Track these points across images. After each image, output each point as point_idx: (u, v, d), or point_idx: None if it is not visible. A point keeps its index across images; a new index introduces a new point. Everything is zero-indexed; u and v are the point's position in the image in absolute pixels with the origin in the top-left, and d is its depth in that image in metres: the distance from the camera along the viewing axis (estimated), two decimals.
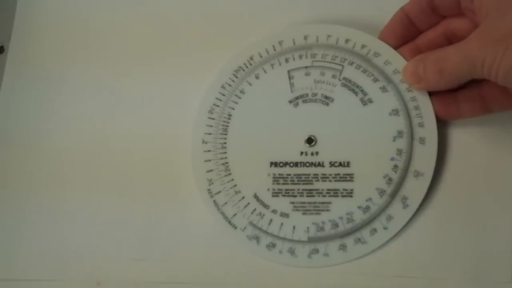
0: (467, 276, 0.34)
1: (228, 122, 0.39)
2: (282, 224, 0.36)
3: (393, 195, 0.35)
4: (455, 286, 0.34)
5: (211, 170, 0.38)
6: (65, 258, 0.39)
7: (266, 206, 0.37)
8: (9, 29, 0.45)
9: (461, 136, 0.36)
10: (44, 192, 0.40)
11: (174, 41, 0.42)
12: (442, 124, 0.36)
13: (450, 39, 0.35)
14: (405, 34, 0.37)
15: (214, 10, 0.42)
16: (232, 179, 0.38)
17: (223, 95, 0.39)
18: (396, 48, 0.37)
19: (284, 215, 0.36)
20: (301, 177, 0.37)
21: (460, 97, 0.35)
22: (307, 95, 0.38)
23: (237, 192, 0.37)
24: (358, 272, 0.35)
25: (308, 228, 0.36)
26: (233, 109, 0.39)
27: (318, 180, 0.37)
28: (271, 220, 0.36)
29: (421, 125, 0.36)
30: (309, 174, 0.37)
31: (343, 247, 0.35)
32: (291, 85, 0.38)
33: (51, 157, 0.41)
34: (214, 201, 0.37)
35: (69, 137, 0.41)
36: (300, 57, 0.39)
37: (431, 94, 0.36)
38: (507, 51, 0.29)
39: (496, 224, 0.34)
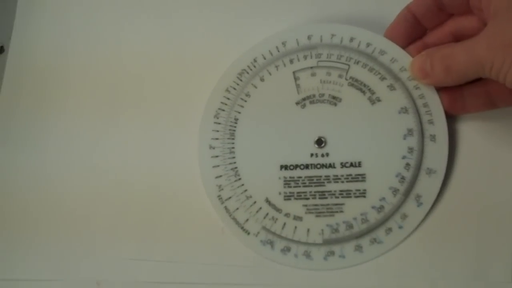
0: (467, 276, 0.34)
1: (235, 126, 0.38)
2: (296, 227, 0.36)
3: (407, 193, 0.35)
4: (455, 286, 0.34)
5: (220, 176, 0.37)
6: (65, 258, 0.39)
7: (278, 210, 0.36)
8: (9, 29, 0.45)
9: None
10: (44, 192, 0.40)
11: (176, 44, 0.42)
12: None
13: (458, 38, 0.35)
14: (410, 33, 0.37)
15: (215, 13, 0.42)
16: (243, 184, 0.37)
17: (228, 99, 0.39)
18: (401, 46, 0.37)
19: (298, 218, 0.36)
20: (312, 179, 0.36)
21: (465, 92, 0.36)
22: (314, 95, 0.38)
23: (248, 197, 0.37)
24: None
25: (322, 230, 0.36)
26: (239, 112, 0.38)
27: (330, 182, 0.36)
28: (284, 224, 0.36)
29: (431, 122, 0.36)
30: (320, 176, 0.36)
31: (359, 248, 0.35)
32: (297, 86, 0.38)
33: (52, 157, 0.41)
34: (225, 207, 0.37)
35: (70, 145, 0.41)
36: (305, 57, 0.38)
37: (438, 89, 0.36)
38: None
39: (497, 223, 0.34)
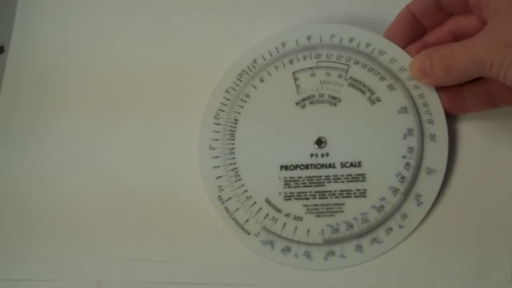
0: (467, 276, 0.34)
1: (235, 127, 0.38)
2: (296, 227, 0.36)
3: (407, 193, 0.35)
4: (455, 286, 0.34)
5: (221, 177, 0.37)
6: (65, 258, 0.39)
7: (278, 210, 0.36)
8: (9, 29, 0.45)
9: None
10: (44, 192, 0.40)
11: (176, 45, 0.42)
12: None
13: (458, 38, 0.35)
14: (410, 33, 0.37)
15: (214, 14, 0.42)
16: (243, 185, 0.37)
17: (228, 99, 0.39)
18: (401, 46, 0.37)
19: (298, 218, 0.36)
20: (312, 179, 0.36)
21: (465, 92, 0.36)
22: (313, 96, 0.38)
23: (248, 198, 0.37)
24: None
25: (322, 230, 0.36)
26: (239, 113, 0.38)
27: (330, 182, 0.36)
28: (284, 224, 0.36)
29: (430, 121, 0.36)
30: (320, 176, 0.36)
31: (359, 248, 0.35)
32: (297, 86, 0.38)
33: (52, 157, 0.41)
34: (226, 208, 0.37)
35: (70, 145, 0.41)
36: (305, 58, 0.38)
37: (437, 88, 0.36)
38: None
39: (497, 222, 0.34)
